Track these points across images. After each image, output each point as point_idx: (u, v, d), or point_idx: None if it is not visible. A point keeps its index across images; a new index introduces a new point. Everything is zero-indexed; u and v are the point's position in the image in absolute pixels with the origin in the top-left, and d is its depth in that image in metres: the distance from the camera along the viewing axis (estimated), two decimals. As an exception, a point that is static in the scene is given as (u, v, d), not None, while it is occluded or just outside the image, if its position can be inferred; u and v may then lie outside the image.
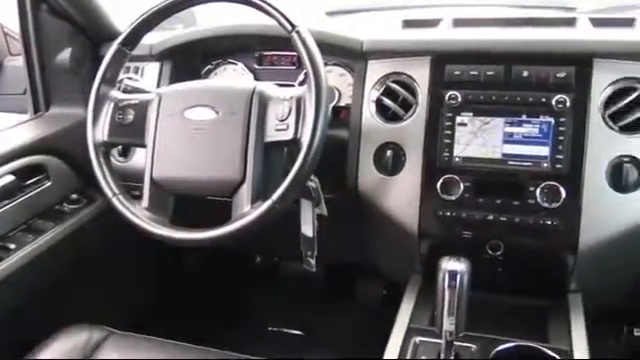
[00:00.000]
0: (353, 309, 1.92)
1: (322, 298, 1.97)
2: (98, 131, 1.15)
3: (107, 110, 1.16)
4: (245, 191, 1.06)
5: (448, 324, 0.97)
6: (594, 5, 1.50)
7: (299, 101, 1.07)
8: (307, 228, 1.20)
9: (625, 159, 1.11)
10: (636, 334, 1.75)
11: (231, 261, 2.01)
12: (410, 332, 1.12)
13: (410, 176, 1.21)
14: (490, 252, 1.20)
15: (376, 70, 1.27)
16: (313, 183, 1.15)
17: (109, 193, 1.12)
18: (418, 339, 1.10)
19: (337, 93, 1.33)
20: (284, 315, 1.94)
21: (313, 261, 1.23)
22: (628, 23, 1.27)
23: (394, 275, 1.45)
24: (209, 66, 1.47)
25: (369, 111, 1.26)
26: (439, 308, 0.98)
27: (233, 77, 1.45)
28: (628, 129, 1.12)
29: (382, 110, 1.26)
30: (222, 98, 1.11)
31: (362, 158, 1.25)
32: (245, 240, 1.05)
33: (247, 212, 1.04)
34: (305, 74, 1.08)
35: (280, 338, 1.90)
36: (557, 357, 1.03)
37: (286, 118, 1.07)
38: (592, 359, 1.05)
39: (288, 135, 1.06)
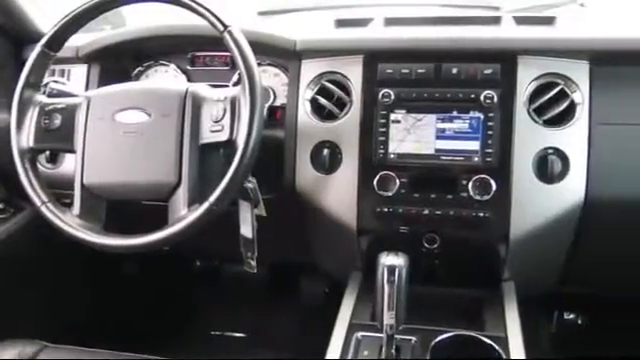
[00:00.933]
0: (296, 308, 1.93)
1: (265, 299, 1.97)
2: (23, 137, 1.11)
3: (32, 115, 1.12)
4: (181, 194, 1.04)
5: (388, 318, 0.99)
6: (517, 4, 1.56)
7: (234, 102, 1.06)
8: (246, 229, 1.20)
9: (550, 151, 1.16)
10: (566, 318, 1.83)
11: (171, 265, 1.98)
12: (352, 328, 1.13)
13: (347, 174, 1.22)
14: (427, 246, 1.23)
15: (310, 69, 1.27)
16: (251, 184, 1.15)
17: (37, 201, 1.08)
18: (360, 334, 1.11)
19: (272, 93, 1.32)
20: (226, 318, 1.92)
21: (253, 262, 1.23)
22: (549, 21, 1.33)
23: (335, 273, 1.46)
24: (140, 68, 1.43)
25: (304, 110, 1.26)
26: (379, 303, 0.99)
27: (165, 79, 1.42)
28: (551, 122, 1.17)
29: (317, 109, 1.26)
30: (154, 100, 1.09)
31: (299, 157, 1.26)
32: (183, 244, 1.04)
33: (184, 215, 1.02)
34: (239, 74, 1.07)
35: (223, 341, 1.88)
36: (493, 344, 1.06)
37: (221, 119, 1.06)
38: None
39: (223, 136, 1.05)
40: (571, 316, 1.84)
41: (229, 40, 1.04)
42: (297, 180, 1.26)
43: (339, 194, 1.24)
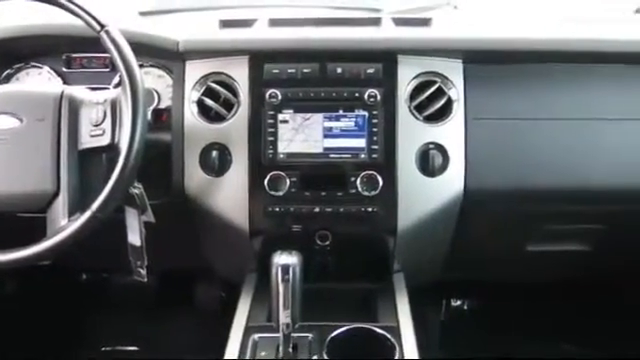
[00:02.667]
0: (192, 316, 1.88)
1: (158, 309, 1.90)
2: None
3: None
4: (60, 204, 0.99)
5: (284, 317, 0.99)
6: (396, 7, 1.62)
7: (114, 104, 1.02)
8: (134, 237, 1.15)
9: (431, 146, 1.22)
10: (453, 305, 1.94)
11: (54, 280, 1.85)
12: (248, 330, 1.13)
13: (237, 175, 1.21)
14: (319, 243, 1.25)
15: (195, 70, 1.25)
16: (137, 190, 1.10)
17: None
18: (257, 336, 1.11)
19: (156, 95, 1.28)
20: (118, 332, 1.84)
21: (144, 271, 1.18)
22: (425, 23, 1.39)
23: (231, 276, 1.44)
24: (9, 70, 1.33)
25: (191, 112, 1.23)
26: (274, 303, 0.99)
27: (38, 82, 1.33)
28: (431, 119, 1.23)
29: (204, 111, 1.24)
30: (26, 104, 1.02)
31: (187, 160, 1.23)
32: (67, 256, 0.98)
33: (64, 226, 0.97)
34: (120, 76, 1.03)
35: (115, 357, 1.79)
36: (386, 334, 1.10)
37: (101, 123, 1.01)
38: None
39: (104, 140, 1.01)
40: (458, 302, 1.95)
41: (107, 40, 1.00)
42: (186, 184, 1.24)
43: (230, 196, 1.22)
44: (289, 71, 1.21)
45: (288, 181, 1.19)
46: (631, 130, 1.24)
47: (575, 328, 1.85)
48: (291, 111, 1.20)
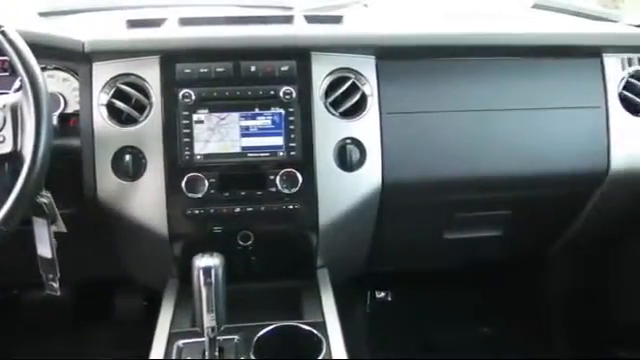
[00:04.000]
0: (112, 328, 1.81)
1: (76, 323, 1.81)
2: None
3: None
4: None
5: (209, 321, 0.98)
6: (308, 5, 1.63)
7: (15, 110, 0.96)
8: (44, 249, 1.09)
9: (348, 141, 1.23)
10: (378, 297, 1.98)
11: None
12: (172, 337, 1.10)
13: (153, 179, 1.18)
14: (242, 243, 1.24)
15: (103, 72, 1.20)
16: (45, 198, 1.05)
17: None
18: (181, 342, 1.08)
19: (62, 99, 1.22)
20: (32, 351, 1.73)
21: (56, 284, 1.12)
22: (337, 20, 1.41)
23: (152, 283, 1.40)
24: None
25: (100, 116, 1.19)
26: (198, 307, 0.98)
27: None
28: (347, 114, 1.24)
29: (115, 114, 1.20)
30: None
31: (99, 166, 1.18)
32: None
33: (-36, 242, 0.90)
34: (20, 80, 0.97)
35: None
36: (313, 330, 1.10)
37: (1, 129, 0.95)
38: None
39: (6, 148, 0.95)
40: (382, 294, 1.99)
41: (3, 42, 0.95)
42: (99, 190, 1.19)
43: (146, 200, 1.19)
44: (202, 70, 1.19)
45: (206, 182, 1.17)
46: (531, 120, 1.31)
47: (491, 311, 1.94)
48: (206, 111, 1.18)
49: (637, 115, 1.34)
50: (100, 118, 1.18)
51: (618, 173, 1.33)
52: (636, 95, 1.34)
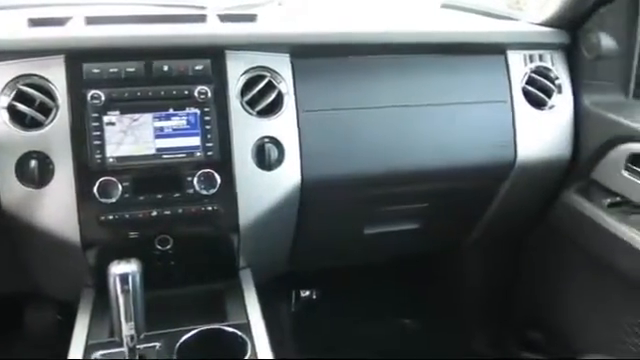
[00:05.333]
0: (25, 347, 1.71)
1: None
2: None
3: None
4: None
5: (127, 330, 0.95)
6: (221, 4, 1.61)
7: None
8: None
9: (266, 140, 1.23)
10: (303, 295, 1.98)
11: None
12: (89, 350, 1.05)
13: (62, 185, 1.13)
14: (160, 247, 1.20)
15: (2, 73, 1.13)
16: None
17: None
18: (99, 354, 1.04)
19: None
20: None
21: (-43, 302, 1.05)
22: (251, 19, 1.40)
23: (65, 295, 1.33)
24: None
25: (1, 120, 1.12)
26: (115, 316, 0.94)
27: None
28: (264, 113, 1.24)
29: (17, 117, 1.13)
30: None
31: (1, 174, 1.11)
32: None
33: None
34: None
35: None
36: (237, 332, 1.09)
37: None
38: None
39: None
40: (307, 293, 1.99)
41: None
42: (2, 199, 1.12)
43: (55, 208, 1.13)
44: (111, 70, 1.14)
45: (120, 186, 1.13)
46: (444, 114, 1.36)
47: (414, 304, 1.99)
48: (117, 112, 1.14)
49: (539, 108, 1.42)
50: (1, 122, 1.11)
51: (524, 164, 1.40)
52: (537, 89, 1.42)
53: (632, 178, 1.31)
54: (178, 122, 1.17)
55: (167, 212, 1.16)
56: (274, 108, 1.24)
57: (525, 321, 1.76)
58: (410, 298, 1.98)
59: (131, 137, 1.15)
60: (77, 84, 1.13)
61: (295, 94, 1.26)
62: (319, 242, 1.51)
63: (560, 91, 1.44)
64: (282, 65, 1.26)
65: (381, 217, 1.48)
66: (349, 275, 1.88)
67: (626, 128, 1.32)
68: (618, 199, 1.36)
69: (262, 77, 1.24)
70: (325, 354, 1.76)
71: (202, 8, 1.55)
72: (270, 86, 1.24)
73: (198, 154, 1.17)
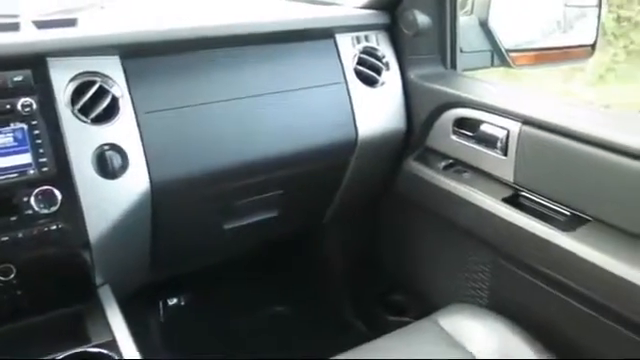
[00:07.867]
0: None
1: None
2: None
3: None
4: None
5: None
6: (37, 12, 1.50)
7: None
8: None
9: (106, 147, 1.17)
10: (170, 304, 1.93)
11: None
12: None
13: None
14: (2, 278, 1.10)
15: None
16: None
17: None
18: None
19: None
20: None
21: None
22: (71, 23, 1.31)
23: None
24: None
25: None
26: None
27: None
28: (100, 120, 1.17)
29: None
30: None
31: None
32: None
33: None
34: None
35: None
36: (104, 351, 1.04)
37: None
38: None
39: None
40: (174, 301, 1.94)
41: None
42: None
43: None
44: None
45: None
46: (285, 101, 1.39)
47: (283, 290, 2.02)
48: None
49: (372, 86, 1.51)
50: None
51: (365, 139, 1.48)
52: (368, 68, 1.50)
53: (460, 140, 1.44)
54: (4, 140, 1.07)
55: (5, 239, 1.07)
56: (110, 113, 1.19)
57: (390, 286, 1.86)
58: (279, 285, 2.01)
59: (-52, 162, 1.03)
60: None
61: (131, 96, 1.21)
62: (179, 246, 1.48)
63: (388, 68, 1.53)
64: (112, 68, 1.20)
65: (238, 210, 1.48)
66: (215, 274, 1.86)
67: (450, 96, 1.45)
68: (451, 161, 1.49)
69: (92, 82, 1.18)
70: (201, 356, 1.74)
71: (14, 16, 1.43)
72: (102, 91, 1.18)
73: (31, 172, 1.09)
